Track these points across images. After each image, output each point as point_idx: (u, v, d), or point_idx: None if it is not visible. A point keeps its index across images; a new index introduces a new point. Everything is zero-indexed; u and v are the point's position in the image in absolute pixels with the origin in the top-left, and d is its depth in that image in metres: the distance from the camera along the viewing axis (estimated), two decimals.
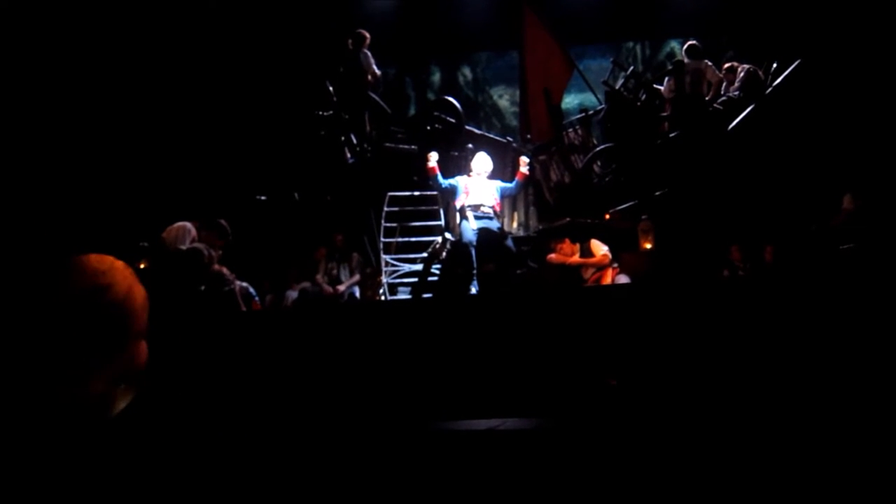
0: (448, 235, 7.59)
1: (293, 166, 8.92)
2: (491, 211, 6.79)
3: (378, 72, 9.14)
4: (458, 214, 7.09)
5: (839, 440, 3.08)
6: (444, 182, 6.92)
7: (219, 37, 9.08)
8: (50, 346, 1.13)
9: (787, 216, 7.40)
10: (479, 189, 6.84)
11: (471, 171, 7.02)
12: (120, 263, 1.23)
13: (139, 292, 1.23)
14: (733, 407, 3.75)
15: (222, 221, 6.10)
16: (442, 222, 8.44)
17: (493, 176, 7.04)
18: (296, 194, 8.77)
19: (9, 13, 7.82)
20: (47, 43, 8.15)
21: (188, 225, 5.84)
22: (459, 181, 6.93)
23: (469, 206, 6.76)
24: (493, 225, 6.75)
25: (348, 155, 8.97)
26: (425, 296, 7.20)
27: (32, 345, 1.13)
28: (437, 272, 7.41)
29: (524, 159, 7.10)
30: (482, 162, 6.98)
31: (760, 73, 8.50)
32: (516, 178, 7.04)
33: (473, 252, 6.50)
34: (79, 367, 1.13)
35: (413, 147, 9.06)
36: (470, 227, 6.63)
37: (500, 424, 3.64)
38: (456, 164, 8.01)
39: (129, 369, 1.20)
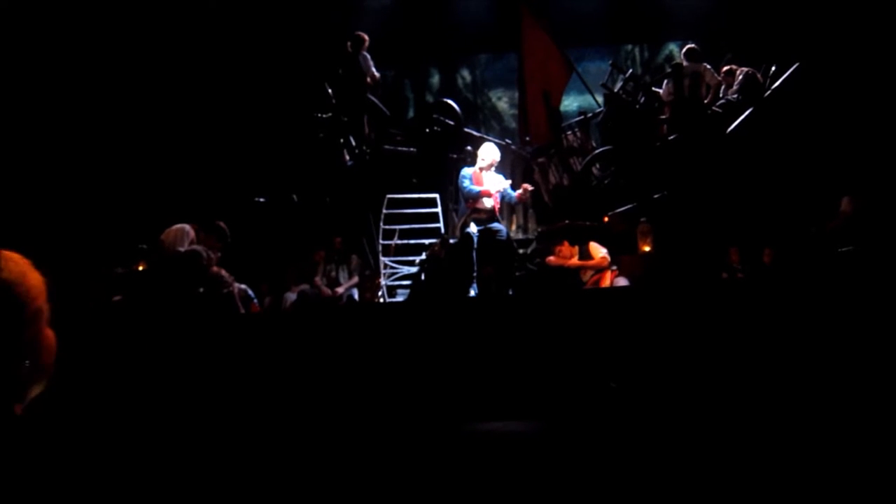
0: (448, 237, 7.58)
1: (292, 168, 8.93)
2: (492, 212, 6.67)
3: (377, 74, 9.15)
4: (454, 214, 7.01)
5: (838, 442, 3.08)
6: (475, 189, 6.59)
7: (218, 39, 9.08)
8: None
9: (786, 219, 7.41)
10: (488, 183, 6.62)
11: (478, 160, 6.76)
12: (9, 253, 1.28)
13: (34, 278, 1.27)
14: (732, 409, 3.75)
15: (221, 223, 6.09)
16: (441, 224, 8.44)
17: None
18: (294, 196, 8.77)
19: (7, 13, 7.81)
20: (46, 46, 8.15)
21: (187, 227, 5.83)
22: (472, 174, 6.68)
23: (475, 208, 6.61)
24: (496, 225, 6.65)
25: (347, 157, 8.97)
26: (424, 298, 7.19)
27: None
28: (436, 274, 7.39)
29: (528, 186, 6.83)
30: (490, 151, 6.74)
31: (759, 76, 8.51)
32: (515, 196, 6.75)
33: (475, 254, 6.44)
34: None
35: (412, 149, 9.06)
36: (472, 228, 6.56)
37: (500, 427, 3.63)
38: (455, 167, 7.99)
39: (32, 354, 1.23)
